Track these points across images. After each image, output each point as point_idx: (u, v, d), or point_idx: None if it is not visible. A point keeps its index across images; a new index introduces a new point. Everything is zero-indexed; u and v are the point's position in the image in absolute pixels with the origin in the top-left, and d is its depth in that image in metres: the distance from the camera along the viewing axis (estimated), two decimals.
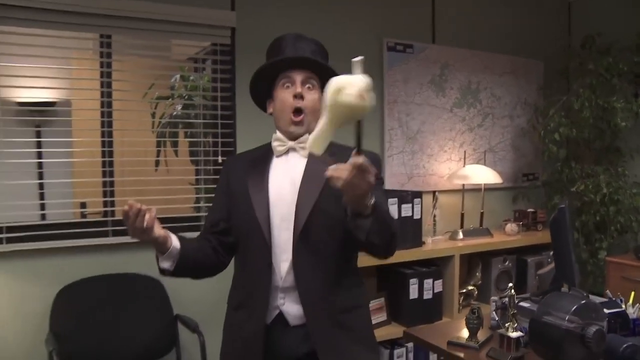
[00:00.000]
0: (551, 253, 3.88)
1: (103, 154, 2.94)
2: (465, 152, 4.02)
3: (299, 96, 1.71)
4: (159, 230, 1.60)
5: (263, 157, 1.81)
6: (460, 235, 3.67)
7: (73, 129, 3.00)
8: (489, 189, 4.04)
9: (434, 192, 3.81)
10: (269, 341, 1.71)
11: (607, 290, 2.34)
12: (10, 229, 2.72)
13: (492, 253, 3.72)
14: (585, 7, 4.52)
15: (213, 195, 1.97)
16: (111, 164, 2.95)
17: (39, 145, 2.97)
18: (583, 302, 1.80)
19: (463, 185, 3.86)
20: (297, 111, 1.72)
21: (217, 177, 3.15)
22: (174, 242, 1.67)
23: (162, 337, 2.92)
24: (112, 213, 2.96)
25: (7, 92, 2.80)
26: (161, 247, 1.64)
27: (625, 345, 1.75)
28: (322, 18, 3.41)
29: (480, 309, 2.18)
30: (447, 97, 3.95)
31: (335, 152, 1.57)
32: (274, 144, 1.79)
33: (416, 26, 3.85)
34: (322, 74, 1.72)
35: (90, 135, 3.05)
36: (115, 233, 2.93)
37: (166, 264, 1.68)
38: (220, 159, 3.16)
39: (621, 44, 3.94)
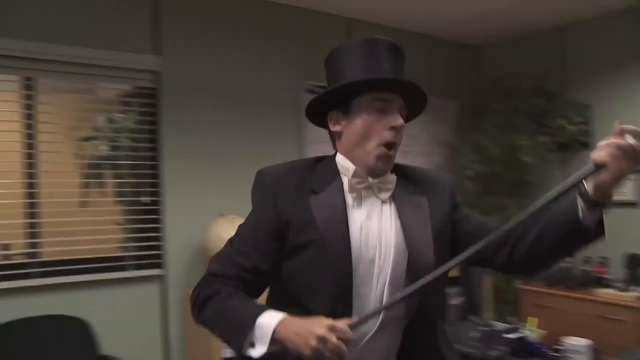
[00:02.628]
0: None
1: (28, 195, 2.93)
2: None
3: (398, 129, 1.35)
4: None
5: (325, 187, 1.37)
6: None
7: None
8: None
9: None
10: None
11: (514, 317, 2.52)
12: None
13: None
14: (493, 52, 4.88)
15: (243, 223, 1.43)
16: (35, 204, 2.94)
17: None
18: (485, 328, 1.96)
19: None
20: (390, 146, 1.36)
21: (142, 217, 3.24)
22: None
23: None
24: (38, 254, 2.94)
25: None
26: None
27: None
28: (247, 61, 3.55)
29: None
30: None
31: (413, 185, 1.42)
32: (353, 180, 1.37)
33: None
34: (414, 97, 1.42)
35: (11, 177, 3.02)
36: (42, 274, 2.91)
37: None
38: (146, 199, 3.21)
39: (524, 86, 4.29)
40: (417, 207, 1.38)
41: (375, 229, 1.34)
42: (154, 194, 3.25)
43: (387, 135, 1.34)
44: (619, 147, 1.11)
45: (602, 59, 4.13)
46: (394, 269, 1.33)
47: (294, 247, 1.33)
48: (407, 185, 1.42)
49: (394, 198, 1.39)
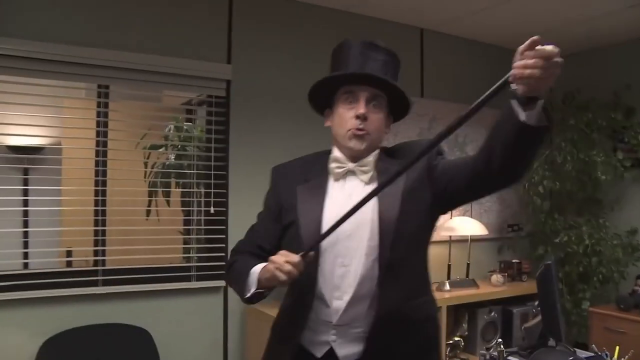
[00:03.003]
0: (536, 304, 3.95)
1: (96, 203, 2.95)
2: None
3: (362, 117, 1.53)
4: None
5: (317, 175, 1.63)
6: (447, 287, 3.70)
7: (62, 177, 3.00)
8: (475, 240, 4.10)
9: None
10: None
11: (593, 345, 2.38)
12: None
13: (478, 304, 3.75)
14: (565, 64, 4.67)
15: (261, 210, 1.75)
16: (104, 212, 2.96)
17: (26, 192, 2.98)
18: (571, 358, 1.84)
19: (450, 236, 3.92)
20: (359, 130, 1.55)
21: (207, 227, 3.22)
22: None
23: None
24: (103, 262, 2.95)
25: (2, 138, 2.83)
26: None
27: None
28: (317, 70, 3.49)
29: None
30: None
31: (397, 160, 1.56)
32: (332, 165, 1.61)
33: (405, 80, 3.94)
34: (391, 90, 1.59)
35: (81, 183, 3.06)
36: (105, 282, 2.91)
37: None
38: (212, 209, 3.19)
39: (600, 100, 4.10)
40: (395, 182, 1.46)
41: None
42: (220, 204, 3.22)
43: (354, 123, 1.54)
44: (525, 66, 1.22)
45: None
46: (369, 242, 1.52)
47: (283, 227, 1.63)
48: (391, 162, 1.58)
49: (378, 177, 1.56)
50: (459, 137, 4.17)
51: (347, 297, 1.52)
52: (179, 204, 3.49)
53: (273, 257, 1.44)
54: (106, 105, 3.00)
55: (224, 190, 3.24)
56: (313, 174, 1.63)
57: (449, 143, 4.12)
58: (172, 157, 3.43)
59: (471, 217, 4.05)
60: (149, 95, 3.19)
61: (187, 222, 3.38)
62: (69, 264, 3.21)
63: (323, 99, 1.67)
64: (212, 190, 3.22)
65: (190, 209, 3.28)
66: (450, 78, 4.20)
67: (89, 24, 2.89)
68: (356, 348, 1.54)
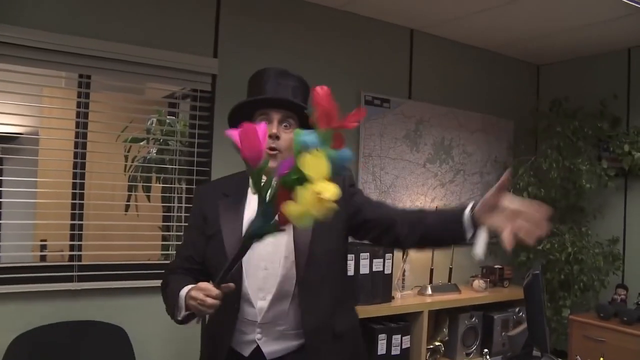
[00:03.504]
0: (517, 310, 3.95)
1: (74, 196, 2.85)
2: (436, 207, 4.06)
3: (274, 136, 1.73)
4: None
5: (237, 190, 1.82)
6: (429, 291, 3.67)
7: (39, 169, 2.88)
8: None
9: None
10: None
11: (578, 357, 2.36)
12: None
13: (459, 309, 3.73)
14: (553, 71, 4.70)
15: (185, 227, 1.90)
16: (81, 206, 2.86)
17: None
18: None
19: None
20: (272, 149, 1.73)
21: (187, 224, 3.14)
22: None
23: None
24: (79, 257, 2.85)
25: None
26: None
27: None
28: (305, 68, 3.42)
29: None
30: (421, 153, 4.01)
31: None
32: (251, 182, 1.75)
33: (393, 81, 3.93)
34: (302, 113, 1.76)
35: (59, 175, 2.96)
36: (81, 278, 2.82)
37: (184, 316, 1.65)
38: (190, 205, 3.10)
39: (586, 108, 4.10)
40: None
41: None
42: None
43: (267, 142, 1.69)
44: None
45: None
46: (286, 250, 1.72)
47: (207, 237, 1.79)
48: None
49: None
50: (445, 140, 4.14)
51: (269, 297, 1.71)
52: (160, 199, 3.40)
53: (192, 293, 1.54)
54: (87, 95, 2.90)
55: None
56: (232, 190, 1.83)
57: (435, 147, 4.09)
58: (154, 151, 3.34)
59: None
60: (132, 86, 3.08)
61: (167, 218, 3.29)
62: (42, 258, 3.11)
63: (241, 121, 1.72)
64: (194, 187, 3.13)
65: (171, 204, 3.19)
66: (438, 80, 4.17)
67: (72, 12, 2.79)
68: (281, 345, 1.74)
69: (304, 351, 1.72)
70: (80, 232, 2.86)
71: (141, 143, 3.37)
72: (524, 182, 4.02)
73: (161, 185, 3.32)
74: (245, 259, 1.60)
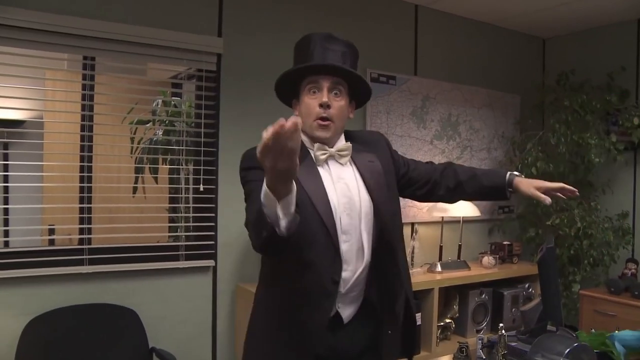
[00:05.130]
0: (526, 286, 3.95)
1: (82, 179, 2.84)
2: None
3: (325, 105, 1.69)
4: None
5: (304, 161, 1.65)
6: (439, 268, 3.67)
7: (45, 152, 2.87)
8: (467, 221, 4.06)
9: (412, 224, 3.82)
10: (331, 338, 1.73)
11: (593, 329, 2.34)
12: None
13: (468, 286, 3.72)
14: (559, 45, 4.65)
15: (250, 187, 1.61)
16: (90, 189, 2.85)
17: (6, 167, 2.85)
18: (575, 344, 1.81)
19: (442, 217, 3.87)
20: (323, 119, 1.70)
21: (198, 205, 3.14)
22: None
23: None
24: (89, 241, 2.84)
25: None
26: (287, 185, 1.36)
27: None
28: None
29: (468, 347, 2.16)
30: (428, 129, 3.98)
31: (361, 145, 1.82)
32: (317, 152, 1.72)
33: (399, 58, 3.89)
34: (352, 78, 1.73)
35: (65, 159, 2.94)
36: (92, 262, 2.82)
37: (283, 221, 1.40)
38: (202, 187, 3.09)
39: (594, 81, 4.06)
40: (371, 163, 1.79)
41: (345, 188, 1.71)
42: (209, 181, 3.13)
43: (318, 111, 1.69)
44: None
45: None
46: (365, 218, 1.72)
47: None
48: (357, 146, 1.80)
49: (352, 160, 1.77)
50: (452, 117, 4.11)
51: (350, 268, 1.70)
52: (167, 181, 3.38)
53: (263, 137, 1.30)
54: (92, 77, 2.87)
55: (214, 168, 3.14)
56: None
57: (442, 123, 4.06)
58: (160, 132, 3.31)
59: None
60: (136, 68, 3.06)
61: (175, 200, 3.27)
62: (51, 242, 3.10)
63: (289, 90, 1.79)
64: (202, 168, 3.12)
65: (179, 186, 3.18)
66: (444, 56, 4.12)
67: None
68: (354, 307, 1.76)
69: (367, 308, 1.78)
70: (90, 216, 2.85)
71: (147, 125, 3.33)
72: (532, 158, 3.99)
73: (168, 167, 3.30)
74: (331, 232, 1.63)
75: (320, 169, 1.72)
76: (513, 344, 2.14)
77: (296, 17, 3.41)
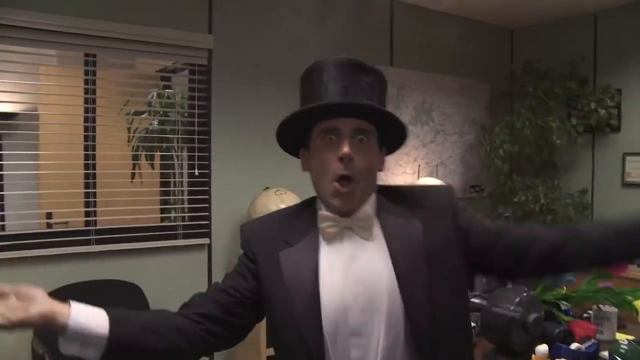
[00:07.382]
0: None
1: (86, 167, 3.11)
2: (419, 165, 4.36)
3: (347, 158, 1.19)
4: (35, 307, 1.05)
5: (302, 235, 1.26)
6: None
7: (41, 143, 3.10)
8: None
9: None
10: None
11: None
12: None
13: None
14: (526, 35, 4.97)
15: None
16: (94, 175, 3.12)
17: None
18: (524, 294, 2.09)
19: None
20: (345, 179, 1.20)
21: (194, 188, 3.42)
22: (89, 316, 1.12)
23: None
24: (95, 222, 3.13)
25: None
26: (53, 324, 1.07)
27: (557, 330, 2.07)
28: (295, 40, 3.65)
29: None
30: (403, 116, 4.26)
31: (391, 212, 1.27)
32: (322, 225, 1.25)
33: (376, 49, 4.17)
34: (382, 119, 1.24)
35: (66, 148, 3.17)
36: (98, 242, 3.10)
37: (88, 352, 1.10)
38: (197, 171, 3.38)
39: (556, 70, 4.39)
40: (409, 237, 1.22)
41: (361, 273, 1.20)
42: (203, 166, 3.41)
43: (336, 169, 1.20)
44: None
45: (633, 44, 4.22)
46: (389, 314, 1.17)
47: (263, 297, 1.27)
48: (398, 210, 1.26)
49: (383, 231, 1.24)
50: (425, 104, 4.41)
51: None
52: (165, 167, 3.67)
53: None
54: (94, 73, 3.13)
55: (207, 154, 3.42)
56: (295, 234, 1.27)
57: (416, 110, 4.36)
58: (155, 122, 3.58)
59: (437, 177, 4.33)
60: (132, 63, 3.32)
61: (170, 184, 3.56)
62: (49, 226, 3.35)
63: (295, 136, 1.30)
64: (196, 154, 3.40)
65: (174, 171, 3.46)
66: (418, 48, 4.41)
67: None
68: None
69: None
70: (95, 200, 3.12)
71: (142, 115, 3.60)
72: (500, 140, 4.32)
73: (164, 153, 3.58)
74: (329, 331, 1.18)
75: (328, 247, 1.24)
76: (476, 300, 2.45)
77: (286, 12, 3.65)
